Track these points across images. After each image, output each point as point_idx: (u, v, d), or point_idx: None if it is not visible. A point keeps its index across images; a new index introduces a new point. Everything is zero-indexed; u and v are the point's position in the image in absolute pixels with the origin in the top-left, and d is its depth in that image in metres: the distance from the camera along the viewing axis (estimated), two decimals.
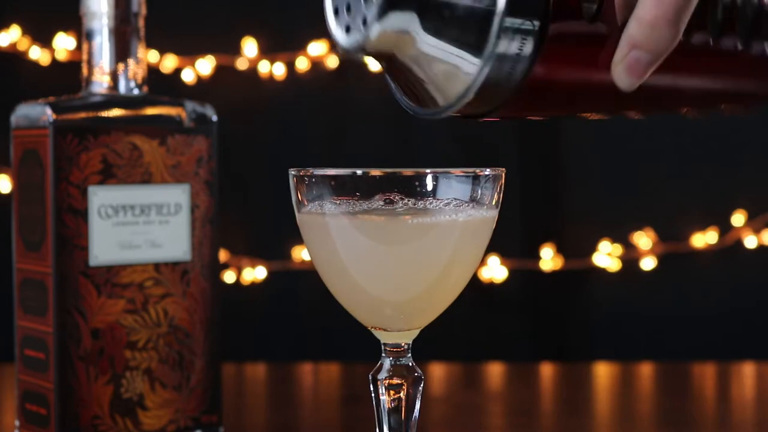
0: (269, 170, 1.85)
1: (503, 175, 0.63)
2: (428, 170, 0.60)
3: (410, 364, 0.65)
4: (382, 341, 0.65)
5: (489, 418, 1.04)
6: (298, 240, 1.97)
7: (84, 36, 0.85)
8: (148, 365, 0.84)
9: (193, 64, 1.82)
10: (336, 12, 0.52)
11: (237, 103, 1.83)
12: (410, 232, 0.60)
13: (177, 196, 0.85)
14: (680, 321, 1.84)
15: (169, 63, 1.82)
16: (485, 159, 1.81)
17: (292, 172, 0.63)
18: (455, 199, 0.61)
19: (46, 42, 1.80)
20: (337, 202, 0.61)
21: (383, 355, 0.65)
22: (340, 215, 0.60)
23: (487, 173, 0.62)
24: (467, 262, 0.63)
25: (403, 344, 0.65)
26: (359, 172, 0.60)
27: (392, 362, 0.65)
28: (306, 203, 0.62)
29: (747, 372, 1.22)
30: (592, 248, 1.85)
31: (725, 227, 1.83)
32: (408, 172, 0.60)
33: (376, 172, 0.59)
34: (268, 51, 1.83)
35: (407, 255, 0.61)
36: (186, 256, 0.86)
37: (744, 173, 1.83)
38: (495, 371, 1.27)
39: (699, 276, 1.84)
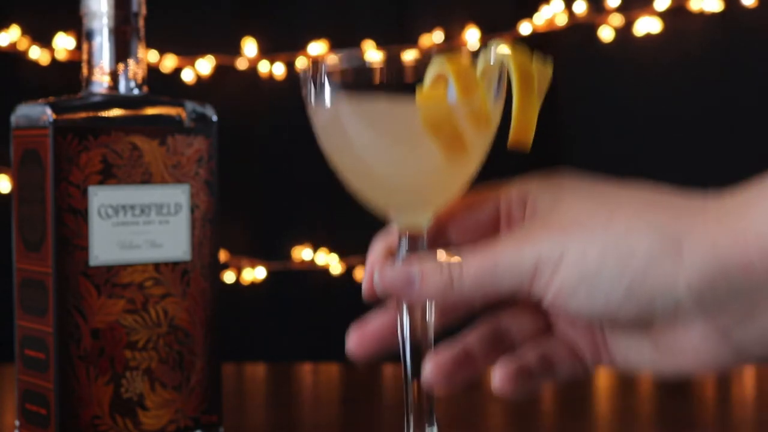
0: (269, 170, 1.84)
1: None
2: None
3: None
4: (397, 226, 0.65)
5: (489, 418, 1.04)
6: (298, 240, 1.97)
7: (84, 36, 0.85)
8: (148, 365, 0.84)
9: (193, 64, 1.82)
10: None
11: (237, 103, 1.83)
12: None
13: (177, 196, 0.85)
14: None
15: (169, 63, 1.82)
16: (485, 160, 1.80)
17: (302, 69, 0.64)
18: None
19: (46, 42, 1.80)
20: (349, 89, 0.62)
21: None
22: (352, 102, 0.61)
23: None
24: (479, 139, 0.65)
25: (420, 228, 0.65)
26: (368, 63, 0.61)
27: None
28: (317, 94, 0.64)
29: (747, 373, 1.22)
30: None
31: None
32: (410, 61, 0.61)
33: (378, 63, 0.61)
34: (268, 51, 1.83)
35: (420, 136, 0.61)
36: (186, 256, 0.86)
37: (744, 173, 1.82)
38: None
39: None
